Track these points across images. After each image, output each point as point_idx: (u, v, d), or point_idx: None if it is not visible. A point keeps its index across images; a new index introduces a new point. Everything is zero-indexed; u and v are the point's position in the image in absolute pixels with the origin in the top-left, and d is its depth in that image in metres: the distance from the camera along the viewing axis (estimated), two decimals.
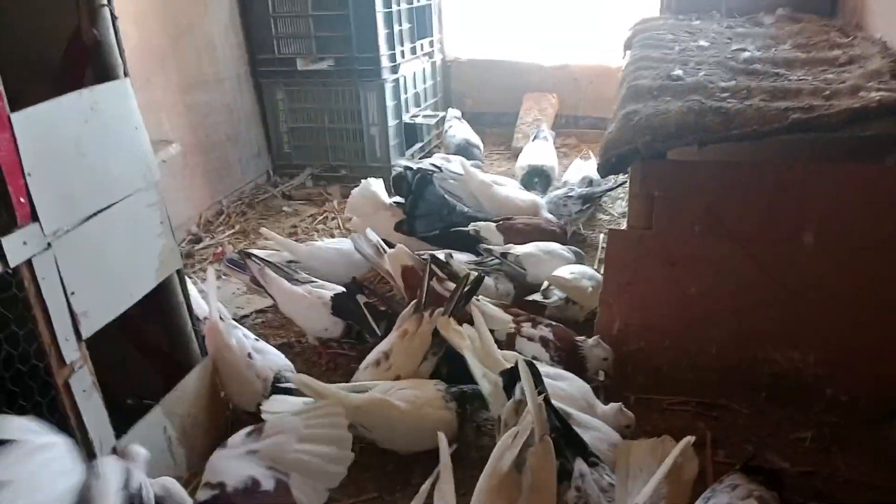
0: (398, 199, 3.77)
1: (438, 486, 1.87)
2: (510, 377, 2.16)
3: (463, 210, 3.76)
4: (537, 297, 3.16)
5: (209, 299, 2.67)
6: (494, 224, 3.58)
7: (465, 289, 2.61)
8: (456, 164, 4.16)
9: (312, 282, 3.08)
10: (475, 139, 5.22)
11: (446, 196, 3.77)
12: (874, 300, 2.41)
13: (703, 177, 2.49)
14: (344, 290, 3.00)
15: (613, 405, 2.35)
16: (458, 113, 5.53)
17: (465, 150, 4.91)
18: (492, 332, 2.56)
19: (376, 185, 3.90)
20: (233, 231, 4.37)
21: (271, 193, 4.96)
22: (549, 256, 3.29)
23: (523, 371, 2.04)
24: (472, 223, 3.61)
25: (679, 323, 2.64)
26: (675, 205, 2.51)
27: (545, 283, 3.18)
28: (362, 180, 3.91)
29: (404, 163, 4.42)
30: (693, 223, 2.51)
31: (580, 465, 1.89)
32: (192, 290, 2.87)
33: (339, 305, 2.94)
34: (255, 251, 3.28)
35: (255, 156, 5.08)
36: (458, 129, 5.28)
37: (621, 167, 2.50)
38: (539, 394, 1.96)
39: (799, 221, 2.42)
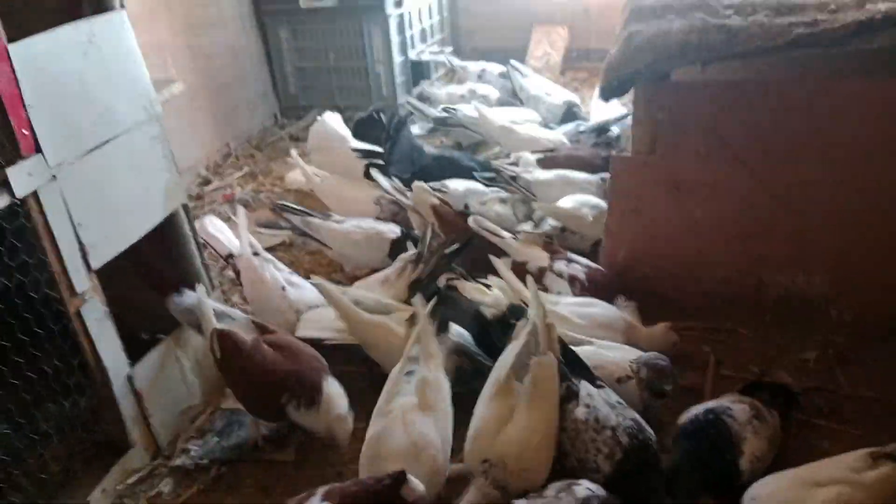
0: (360, 144, 3.72)
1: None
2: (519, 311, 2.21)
3: (431, 153, 3.77)
4: (526, 226, 3.14)
5: (240, 235, 2.74)
6: (535, 158, 3.51)
7: (445, 252, 2.65)
8: (469, 107, 4.12)
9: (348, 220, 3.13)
10: (570, 94, 4.56)
11: (416, 139, 3.78)
12: (881, 219, 2.40)
13: (707, 98, 2.46)
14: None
15: (660, 325, 2.41)
16: (521, 67, 4.83)
17: (570, 114, 4.30)
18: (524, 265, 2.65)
19: (332, 120, 3.98)
20: (241, 173, 4.38)
21: (279, 136, 4.95)
22: (565, 183, 3.22)
23: (531, 286, 2.09)
24: (513, 153, 3.61)
25: (685, 248, 2.65)
26: (678, 128, 2.49)
27: (537, 211, 3.17)
28: (318, 116, 3.99)
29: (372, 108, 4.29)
30: (697, 145, 2.49)
31: (587, 386, 1.94)
32: (223, 227, 2.98)
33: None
34: (287, 203, 3.27)
35: (261, 97, 5.05)
36: (541, 86, 4.58)
37: (623, 90, 2.47)
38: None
39: (805, 140, 2.39)
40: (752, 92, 2.42)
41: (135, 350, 2.23)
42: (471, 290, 2.52)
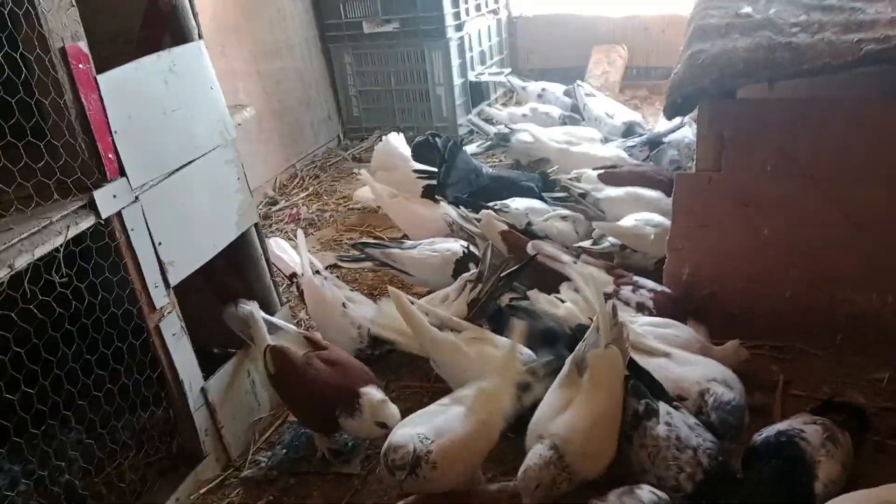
0: (419, 166, 3.77)
1: None
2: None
3: (489, 173, 3.81)
4: (586, 243, 3.11)
5: (301, 256, 2.83)
6: (596, 174, 3.50)
7: (502, 273, 2.67)
8: (525, 133, 4.16)
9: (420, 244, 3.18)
10: (633, 115, 4.52)
11: (473, 161, 3.83)
12: None
13: (774, 115, 2.43)
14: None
15: (732, 342, 2.38)
16: (586, 86, 4.85)
17: (631, 134, 4.26)
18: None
19: (396, 140, 4.09)
20: (307, 193, 4.51)
21: (342, 157, 5.07)
22: (634, 200, 3.19)
23: (591, 284, 2.13)
24: (574, 170, 3.62)
25: (752, 266, 2.60)
26: (745, 144, 2.45)
27: (596, 230, 3.14)
28: (383, 136, 4.14)
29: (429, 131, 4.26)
30: (765, 163, 2.45)
31: (665, 406, 1.95)
32: (286, 247, 3.10)
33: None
34: (365, 241, 3.39)
35: (325, 120, 5.20)
36: (604, 106, 4.56)
37: (688, 108, 2.45)
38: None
39: (876, 158, 2.33)
40: (821, 109, 2.38)
41: (206, 364, 2.32)
42: (544, 302, 2.52)
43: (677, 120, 3.86)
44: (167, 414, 2.27)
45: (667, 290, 2.70)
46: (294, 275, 2.92)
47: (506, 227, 3.03)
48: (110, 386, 2.03)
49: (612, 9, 5.82)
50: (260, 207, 4.24)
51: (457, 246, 3.07)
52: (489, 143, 4.58)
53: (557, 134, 4.12)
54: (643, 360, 2.11)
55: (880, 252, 2.42)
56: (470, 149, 4.39)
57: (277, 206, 4.32)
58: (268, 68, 4.50)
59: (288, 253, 3.10)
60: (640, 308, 2.60)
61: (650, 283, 2.71)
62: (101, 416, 2.05)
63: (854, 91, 2.53)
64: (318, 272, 2.83)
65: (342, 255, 3.56)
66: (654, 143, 3.86)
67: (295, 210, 4.22)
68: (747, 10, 2.68)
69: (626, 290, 2.67)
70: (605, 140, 4.14)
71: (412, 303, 2.44)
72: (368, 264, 3.28)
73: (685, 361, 2.21)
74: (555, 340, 2.30)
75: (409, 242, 3.22)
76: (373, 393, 2.18)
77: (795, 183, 2.44)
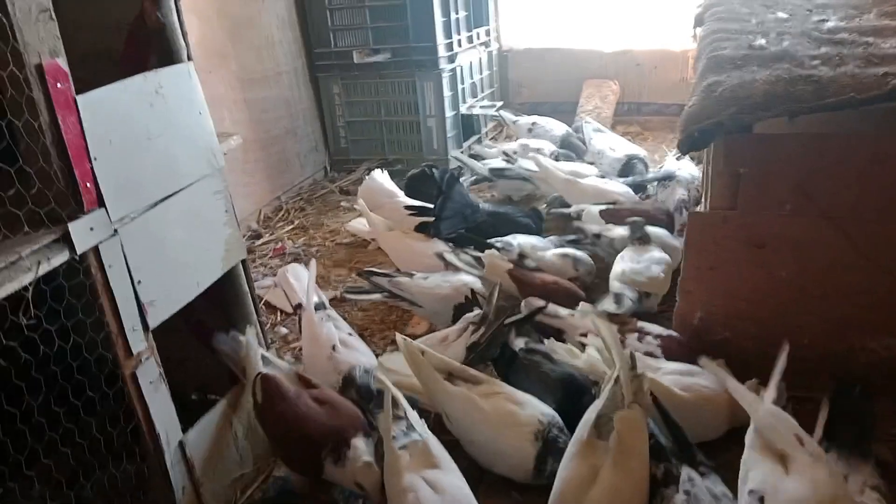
0: (410, 201, 3.66)
1: None
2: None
3: (486, 208, 3.68)
4: (609, 306, 2.84)
5: (308, 287, 2.69)
6: (598, 210, 3.42)
7: (506, 321, 2.51)
8: (528, 161, 4.03)
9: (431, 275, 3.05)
10: (635, 149, 4.39)
11: (469, 195, 3.72)
12: None
13: (793, 151, 2.31)
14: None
15: (749, 382, 2.19)
16: (594, 122, 4.80)
17: (629, 167, 4.17)
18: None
19: (380, 177, 3.99)
20: (292, 227, 4.34)
21: (329, 189, 4.92)
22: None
23: (609, 333, 1.96)
24: (575, 206, 3.54)
25: (767, 310, 2.47)
26: (762, 182, 2.34)
27: (615, 287, 2.90)
28: (366, 176, 4.06)
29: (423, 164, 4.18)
30: (782, 201, 2.33)
31: (688, 471, 1.77)
32: (302, 275, 2.93)
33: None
34: (372, 269, 3.23)
35: (312, 150, 5.06)
36: (608, 141, 4.47)
37: (704, 143, 2.33)
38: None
39: None
40: (842, 146, 2.27)
41: (183, 411, 2.11)
42: (561, 351, 2.35)
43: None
44: (140, 469, 2.06)
45: (674, 334, 2.56)
46: (300, 305, 2.75)
47: (511, 265, 2.89)
48: (80, 441, 1.83)
49: (604, 43, 5.78)
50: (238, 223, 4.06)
51: (471, 278, 2.92)
52: (475, 177, 4.46)
53: (560, 166, 4.01)
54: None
55: None
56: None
57: (261, 240, 4.15)
58: (255, 96, 4.36)
59: (301, 281, 2.93)
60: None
61: (656, 329, 2.58)
62: (68, 475, 1.84)
63: (876, 126, 2.44)
64: (322, 306, 2.68)
65: (350, 286, 3.39)
66: (668, 178, 3.74)
67: (280, 244, 4.05)
68: (761, 41, 2.60)
69: (631, 339, 2.53)
70: (602, 176, 4.03)
71: (422, 352, 2.23)
72: (377, 296, 3.09)
73: None
74: (578, 393, 2.14)
75: (420, 273, 3.05)
76: (361, 449, 2.02)
77: (814, 223, 2.33)
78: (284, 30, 4.66)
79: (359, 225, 3.91)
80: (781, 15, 3.22)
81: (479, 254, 3.13)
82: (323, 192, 4.87)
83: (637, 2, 5.64)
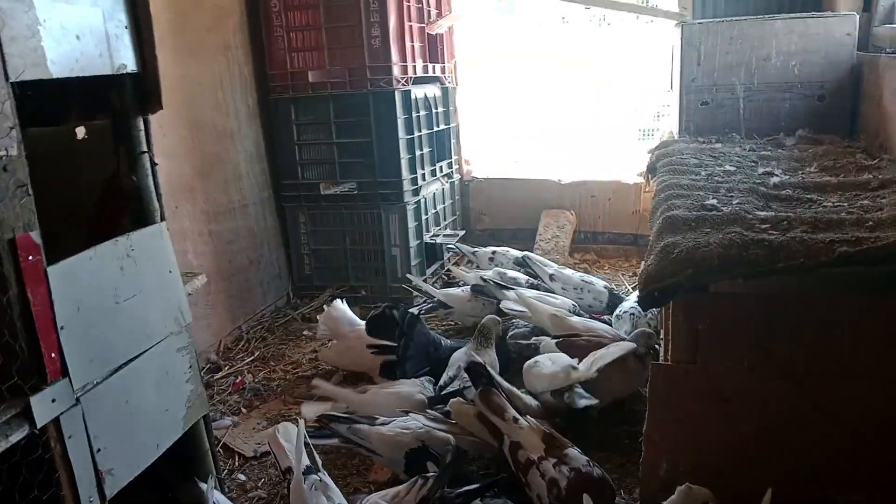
0: (373, 340, 3.63)
1: None
2: None
3: (448, 344, 3.70)
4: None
5: (296, 450, 2.53)
6: (554, 341, 3.45)
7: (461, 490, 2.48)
8: (512, 301, 4.07)
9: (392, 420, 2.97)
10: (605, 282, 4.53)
11: (431, 333, 3.74)
12: None
13: (749, 310, 2.41)
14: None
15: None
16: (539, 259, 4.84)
17: (614, 299, 4.28)
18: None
19: (341, 307, 4.01)
20: (252, 358, 4.26)
21: (291, 316, 4.89)
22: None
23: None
24: (534, 338, 3.57)
25: (732, 464, 2.48)
26: (721, 338, 2.41)
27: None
28: (327, 305, 4.06)
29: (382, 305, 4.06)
30: (742, 357, 2.40)
31: None
32: (293, 436, 2.66)
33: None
34: (332, 413, 3.10)
35: (276, 278, 5.05)
36: (579, 274, 4.58)
37: (663, 301, 2.43)
38: None
39: (854, 356, 2.31)
40: (796, 306, 2.38)
41: None
42: None
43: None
44: None
45: (593, 472, 2.54)
46: (289, 469, 2.57)
47: (478, 409, 2.86)
48: None
49: (561, 174, 6.04)
50: (201, 375, 3.96)
51: (437, 424, 2.88)
52: (430, 304, 4.48)
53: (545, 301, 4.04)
54: None
55: (863, 451, 2.35)
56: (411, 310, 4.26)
57: (221, 373, 4.05)
58: (220, 228, 4.38)
59: (292, 443, 2.69)
60: (551, 485, 2.48)
61: (582, 460, 2.57)
62: None
63: (827, 286, 2.55)
64: (314, 471, 2.52)
65: (309, 430, 3.24)
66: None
67: (239, 378, 3.96)
68: (712, 201, 2.74)
69: (547, 463, 2.54)
70: (576, 312, 4.06)
71: None
72: (335, 441, 2.98)
73: None
74: None
75: (381, 418, 2.97)
76: None
77: (773, 379, 2.39)
78: (252, 163, 4.75)
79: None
80: (729, 168, 3.42)
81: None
82: (285, 320, 4.83)
83: (591, 139, 5.94)
